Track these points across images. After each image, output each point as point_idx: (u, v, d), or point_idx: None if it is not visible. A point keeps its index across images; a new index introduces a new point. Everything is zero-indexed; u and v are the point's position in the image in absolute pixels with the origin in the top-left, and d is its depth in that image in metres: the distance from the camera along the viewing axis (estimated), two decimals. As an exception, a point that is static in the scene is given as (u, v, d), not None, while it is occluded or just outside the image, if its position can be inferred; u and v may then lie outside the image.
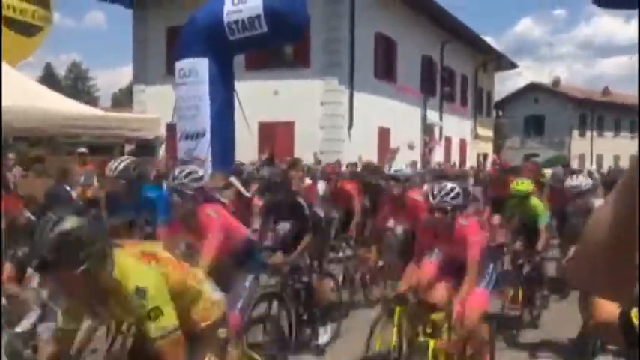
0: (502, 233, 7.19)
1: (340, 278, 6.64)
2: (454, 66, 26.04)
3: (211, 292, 2.92)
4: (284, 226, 5.54)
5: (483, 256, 4.21)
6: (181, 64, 10.48)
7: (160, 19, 18.80)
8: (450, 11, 21.78)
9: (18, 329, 4.43)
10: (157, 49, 18.74)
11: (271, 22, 9.61)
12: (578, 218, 5.71)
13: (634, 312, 1.37)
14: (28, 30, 9.52)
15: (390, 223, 7.17)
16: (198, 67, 10.20)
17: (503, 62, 31.63)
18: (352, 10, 17.37)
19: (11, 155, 10.03)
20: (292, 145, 16.76)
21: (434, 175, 12.60)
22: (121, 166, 4.90)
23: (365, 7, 17.80)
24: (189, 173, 4.28)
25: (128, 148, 15.60)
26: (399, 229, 7.22)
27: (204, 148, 9.92)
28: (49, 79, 48.70)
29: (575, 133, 42.69)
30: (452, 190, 4.22)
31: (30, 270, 4.48)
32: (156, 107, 14.53)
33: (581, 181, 6.04)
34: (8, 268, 4.66)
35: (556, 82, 45.87)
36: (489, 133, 33.39)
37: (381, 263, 7.13)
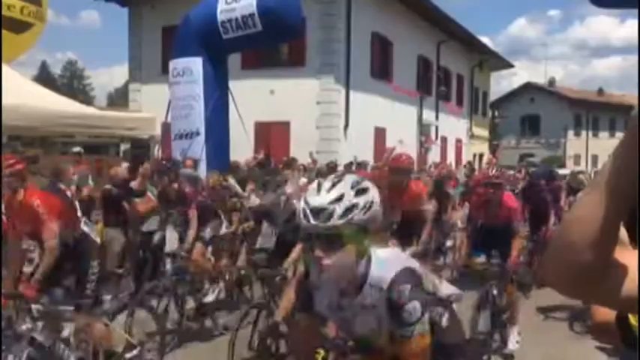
0: None
1: None
2: (450, 66, 26.07)
3: None
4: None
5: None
6: (175, 64, 10.45)
7: (155, 18, 18.74)
8: (445, 11, 21.81)
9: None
10: (153, 48, 18.68)
11: (265, 20, 9.59)
12: None
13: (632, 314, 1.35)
14: (16, 26, 9.25)
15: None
16: (192, 67, 10.17)
17: (498, 62, 31.68)
18: (348, 10, 17.35)
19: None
20: (288, 144, 16.73)
21: None
22: None
23: (361, 7, 17.79)
24: None
25: (123, 147, 15.58)
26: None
27: (198, 148, 9.88)
28: (44, 77, 48.56)
29: (571, 133, 42.82)
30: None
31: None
32: (151, 106, 14.47)
33: None
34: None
35: (552, 82, 46.01)
36: (485, 133, 33.44)
37: None
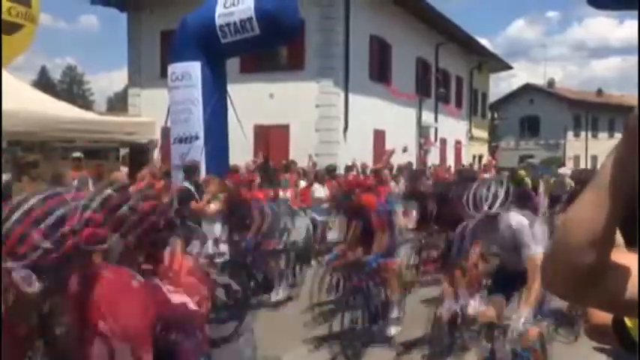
0: None
1: None
2: (449, 68, 26.08)
3: None
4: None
5: None
6: (174, 68, 10.45)
7: (154, 22, 18.76)
8: (444, 13, 21.84)
9: None
10: (152, 52, 18.70)
11: (263, 24, 9.59)
12: None
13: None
14: (5, 28, 9.01)
15: None
16: (190, 71, 10.17)
17: (497, 64, 31.70)
18: (347, 13, 17.37)
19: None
20: (287, 147, 16.73)
21: None
22: None
23: (359, 10, 17.81)
24: None
25: (123, 152, 15.57)
26: None
27: (197, 152, 9.88)
28: (44, 83, 48.60)
29: (570, 134, 42.81)
30: None
31: None
32: (151, 111, 14.49)
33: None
34: None
35: (551, 83, 46.03)
36: (484, 135, 33.44)
37: None
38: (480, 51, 28.26)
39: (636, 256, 1.01)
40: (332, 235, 10.00)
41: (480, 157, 29.66)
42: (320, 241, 9.91)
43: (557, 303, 5.31)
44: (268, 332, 5.81)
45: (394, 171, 14.81)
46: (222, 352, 3.91)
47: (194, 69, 10.14)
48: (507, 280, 4.38)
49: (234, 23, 9.77)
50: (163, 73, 13.78)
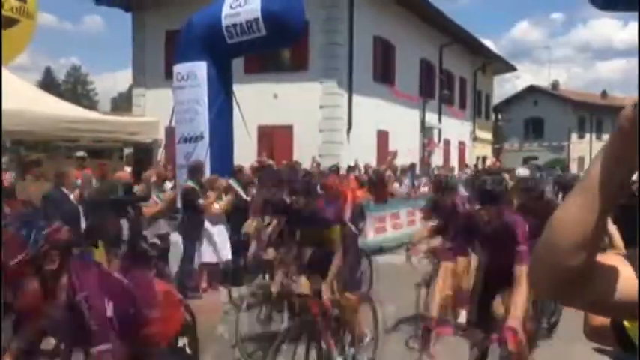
0: None
1: None
2: (453, 69, 26.05)
3: None
4: None
5: None
6: (179, 68, 10.47)
7: (159, 22, 18.79)
8: (448, 15, 21.83)
9: None
10: (156, 52, 18.72)
11: (269, 25, 9.61)
12: None
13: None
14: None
15: None
16: (196, 71, 10.19)
17: (501, 65, 31.68)
18: (351, 14, 17.38)
19: (5, 159, 9.94)
20: (291, 148, 16.74)
21: None
22: None
23: (363, 11, 17.81)
24: None
25: (126, 151, 15.62)
26: None
27: (202, 152, 9.90)
28: (48, 83, 48.77)
29: (574, 135, 42.70)
30: None
31: None
32: (155, 111, 14.51)
33: None
34: None
35: (555, 84, 45.93)
36: (488, 136, 33.40)
37: None
38: (484, 52, 28.24)
39: (620, 257, 1.02)
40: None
41: (484, 159, 29.61)
42: None
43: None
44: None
45: (398, 172, 14.84)
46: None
47: (200, 69, 10.17)
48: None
49: (241, 24, 9.79)
50: (168, 73, 13.84)
